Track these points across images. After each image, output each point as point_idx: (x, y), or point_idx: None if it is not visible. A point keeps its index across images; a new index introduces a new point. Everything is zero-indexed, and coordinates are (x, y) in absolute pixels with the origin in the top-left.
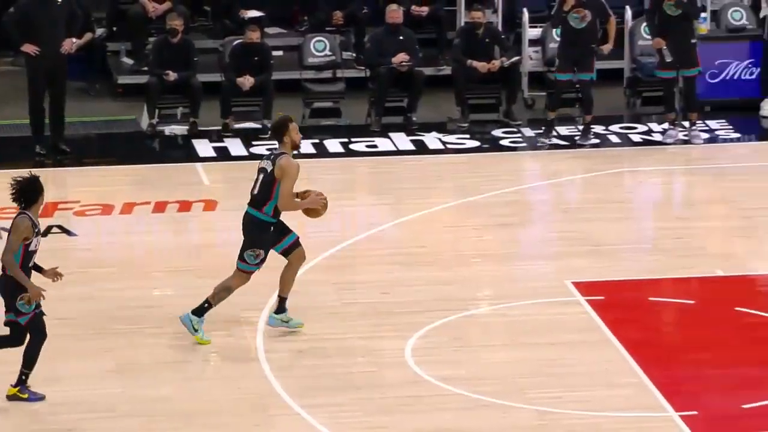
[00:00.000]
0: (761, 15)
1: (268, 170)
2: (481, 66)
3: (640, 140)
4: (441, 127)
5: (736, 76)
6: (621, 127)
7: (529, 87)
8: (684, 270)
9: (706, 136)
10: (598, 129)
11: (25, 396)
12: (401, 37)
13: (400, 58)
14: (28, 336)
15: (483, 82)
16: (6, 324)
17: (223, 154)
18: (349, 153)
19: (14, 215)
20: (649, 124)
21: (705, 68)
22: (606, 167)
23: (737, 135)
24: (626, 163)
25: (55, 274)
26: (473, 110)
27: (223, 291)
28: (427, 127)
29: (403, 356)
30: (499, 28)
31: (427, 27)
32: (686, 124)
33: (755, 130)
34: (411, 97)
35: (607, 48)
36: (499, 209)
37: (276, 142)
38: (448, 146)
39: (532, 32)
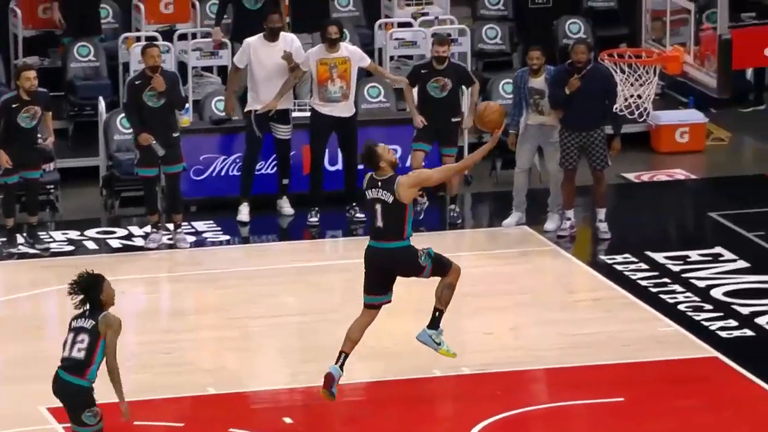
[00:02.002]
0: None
1: (389, 200)
2: None
3: (120, 246)
4: None
5: (223, 172)
6: (98, 232)
7: None
8: (173, 389)
9: (192, 239)
10: (73, 234)
11: None
12: None
13: None
14: None
15: None
16: None
17: None
18: None
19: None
20: (129, 227)
21: (189, 164)
22: None
23: (226, 237)
24: (106, 272)
25: None
26: None
27: (447, 290)
28: None
29: None
30: None
31: None
32: (170, 226)
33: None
34: None
35: (50, 141)
36: None
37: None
38: None
39: None
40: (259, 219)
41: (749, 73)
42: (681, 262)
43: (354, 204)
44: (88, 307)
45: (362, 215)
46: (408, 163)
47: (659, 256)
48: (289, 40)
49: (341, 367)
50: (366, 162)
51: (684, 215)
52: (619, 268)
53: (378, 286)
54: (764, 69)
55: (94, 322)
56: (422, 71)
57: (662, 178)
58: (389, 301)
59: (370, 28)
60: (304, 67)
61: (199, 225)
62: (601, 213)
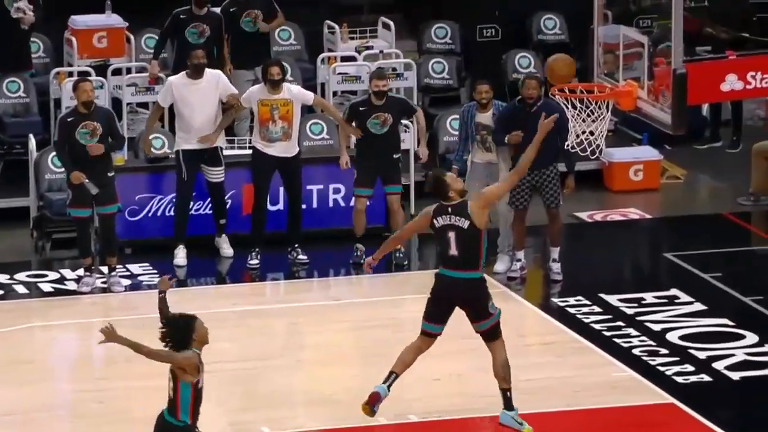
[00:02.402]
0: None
1: (465, 226)
2: None
3: (52, 290)
4: None
5: (159, 213)
6: (29, 275)
7: None
8: None
9: (127, 282)
10: (2, 278)
11: None
12: None
13: None
14: None
15: None
16: None
17: None
18: None
19: None
20: (61, 270)
21: (124, 204)
22: (13, 322)
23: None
24: (36, 317)
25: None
26: None
27: (506, 368)
28: None
29: None
30: None
31: None
32: (104, 269)
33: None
34: None
35: None
36: None
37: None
38: None
39: None
40: (196, 261)
41: (705, 108)
42: (635, 305)
43: (296, 245)
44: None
45: (304, 257)
46: (352, 203)
47: (613, 299)
48: (215, 76)
49: (389, 387)
50: (434, 192)
51: (639, 256)
52: (571, 311)
53: (439, 314)
54: (720, 105)
55: None
56: (361, 109)
57: (616, 218)
58: (440, 334)
59: (312, 63)
60: (245, 104)
61: (135, 268)
62: (555, 252)
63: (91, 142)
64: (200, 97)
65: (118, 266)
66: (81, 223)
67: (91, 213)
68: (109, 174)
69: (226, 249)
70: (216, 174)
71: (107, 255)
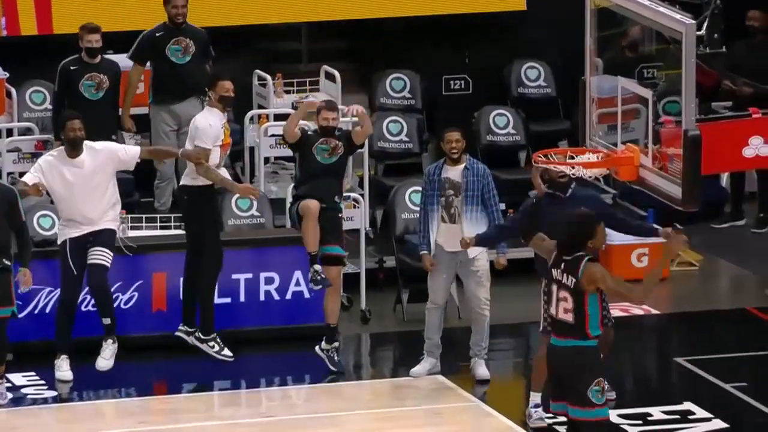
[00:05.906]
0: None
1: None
2: None
3: None
4: None
5: (48, 309)
6: None
7: None
8: None
9: (10, 395)
10: None
11: None
12: None
13: None
14: None
15: None
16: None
17: None
18: None
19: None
20: None
21: None
22: None
23: (52, 392)
24: None
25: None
26: None
27: None
28: None
29: None
30: None
31: None
32: None
33: None
34: None
35: None
36: None
37: None
38: None
39: None
40: (86, 370)
41: (724, 179)
42: (640, 422)
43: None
44: None
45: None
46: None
47: (612, 414)
48: (98, 149)
49: None
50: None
51: (644, 361)
52: (560, 429)
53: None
54: (743, 174)
55: None
56: (309, 133)
57: (616, 314)
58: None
59: (238, 122)
60: (211, 142)
61: (17, 378)
62: None
63: None
64: (82, 177)
65: (3, 375)
66: None
67: None
68: (6, 262)
69: (104, 361)
70: (99, 255)
71: None
